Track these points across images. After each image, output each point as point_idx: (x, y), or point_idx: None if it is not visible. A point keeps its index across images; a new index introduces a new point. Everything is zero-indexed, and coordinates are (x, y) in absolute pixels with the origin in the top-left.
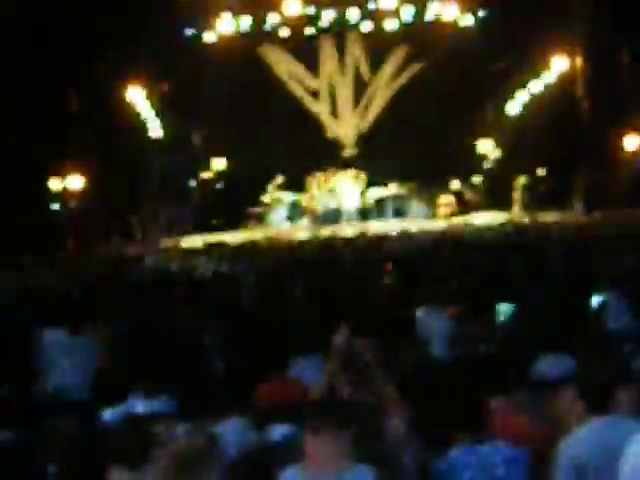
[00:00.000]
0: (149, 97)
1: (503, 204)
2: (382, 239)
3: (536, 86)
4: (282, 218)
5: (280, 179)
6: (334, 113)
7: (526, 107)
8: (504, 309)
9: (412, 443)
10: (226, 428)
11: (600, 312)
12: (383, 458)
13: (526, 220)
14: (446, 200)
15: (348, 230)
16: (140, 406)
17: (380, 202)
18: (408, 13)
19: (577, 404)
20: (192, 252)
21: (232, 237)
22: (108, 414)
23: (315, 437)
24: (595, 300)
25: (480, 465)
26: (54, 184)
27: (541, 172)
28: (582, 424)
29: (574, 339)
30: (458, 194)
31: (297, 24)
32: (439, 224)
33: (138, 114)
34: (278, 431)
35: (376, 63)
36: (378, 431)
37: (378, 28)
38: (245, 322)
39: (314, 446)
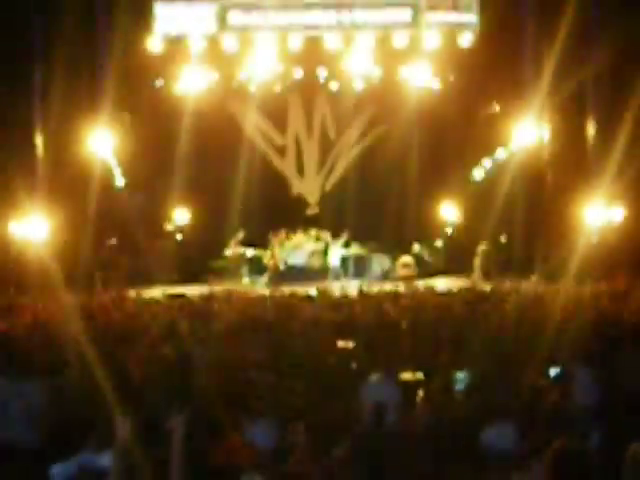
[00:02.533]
0: (114, 146)
1: (463, 270)
2: (341, 299)
3: (501, 154)
4: (243, 274)
5: (241, 234)
6: (299, 171)
7: (490, 174)
8: (460, 376)
9: None
10: None
11: (555, 384)
12: None
13: (485, 287)
14: (406, 261)
15: (308, 289)
16: (92, 460)
17: (342, 261)
18: (376, 75)
19: None
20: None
21: (192, 290)
22: (59, 467)
23: None
24: (553, 371)
25: None
26: (15, 228)
27: (503, 239)
28: None
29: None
30: (418, 258)
31: (266, 81)
32: (398, 287)
33: (103, 162)
34: None
35: (343, 123)
36: None
37: (346, 88)
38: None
39: None
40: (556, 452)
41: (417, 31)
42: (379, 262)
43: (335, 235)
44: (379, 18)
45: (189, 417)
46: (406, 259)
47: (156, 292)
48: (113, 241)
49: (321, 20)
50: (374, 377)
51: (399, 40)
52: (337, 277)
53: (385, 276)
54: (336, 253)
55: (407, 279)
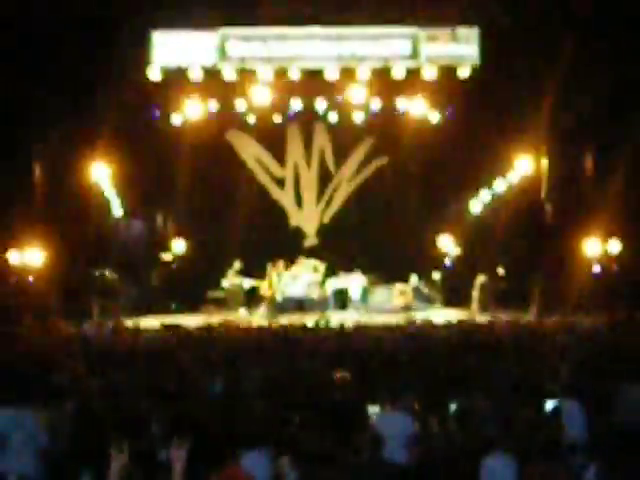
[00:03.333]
0: (112, 175)
1: (461, 302)
2: (339, 331)
3: (500, 185)
4: (240, 304)
5: (238, 264)
6: (298, 202)
7: (489, 206)
8: (457, 408)
9: None
10: None
11: (553, 418)
12: None
13: (483, 319)
14: (402, 289)
15: (305, 320)
16: None
17: (340, 293)
18: (375, 106)
19: None
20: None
21: (189, 320)
22: None
23: None
24: (549, 405)
25: None
26: (12, 257)
27: (501, 272)
28: None
29: (523, 445)
30: (416, 289)
31: (265, 111)
32: (397, 319)
33: (101, 192)
34: None
35: (342, 154)
36: None
37: (345, 120)
38: (195, 411)
39: None
40: None
41: (416, 63)
42: (378, 293)
43: (332, 267)
44: (378, 50)
45: (189, 448)
46: (402, 287)
47: (153, 322)
48: (110, 270)
49: (320, 52)
50: (375, 409)
51: (398, 72)
52: (327, 308)
53: (383, 307)
54: (333, 284)
55: (404, 308)
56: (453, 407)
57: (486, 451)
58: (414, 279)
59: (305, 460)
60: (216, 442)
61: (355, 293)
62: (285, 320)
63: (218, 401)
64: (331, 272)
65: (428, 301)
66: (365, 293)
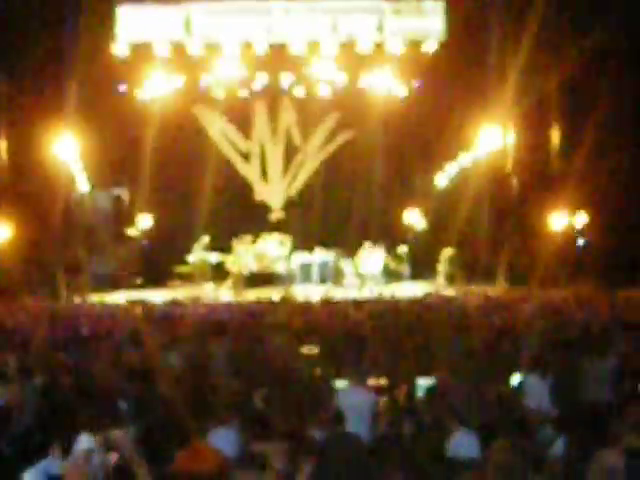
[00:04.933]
0: (77, 150)
1: (428, 275)
2: (306, 306)
3: (466, 159)
4: (207, 279)
5: (206, 239)
6: (264, 176)
7: (455, 179)
8: (423, 384)
9: None
10: None
11: (518, 392)
12: None
13: (449, 292)
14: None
15: (272, 294)
16: (56, 466)
17: (305, 267)
18: (341, 81)
19: None
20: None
21: (156, 296)
22: (30, 475)
23: None
24: (515, 379)
25: None
26: None
27: (467, 245)
28: None
29: (489, 420)
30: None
31: (231, 86)
32: (363, 293)
33: (67, 166)
34: None
35: (308, 129)
36: None
37: (311, 94)
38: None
39: None
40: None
41: (381, 37)
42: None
43: (298, 240)
44: (343, 24)
45: (149, 424)
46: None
47: (119, 297)
48: (77, 245)
49: (286, 26)
50: (342, 383)
51: (363, 46)
52: (293, 282)
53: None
54: (298, 258)
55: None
56: (420, 382)
57: (452, 427)
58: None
59: (272, 436)
60: (182, 418)
61: (375, 268)
62: (251, 295)
63: (184, 377)
64: (297, 247)
65: (395, 275)
66: (387, 268)
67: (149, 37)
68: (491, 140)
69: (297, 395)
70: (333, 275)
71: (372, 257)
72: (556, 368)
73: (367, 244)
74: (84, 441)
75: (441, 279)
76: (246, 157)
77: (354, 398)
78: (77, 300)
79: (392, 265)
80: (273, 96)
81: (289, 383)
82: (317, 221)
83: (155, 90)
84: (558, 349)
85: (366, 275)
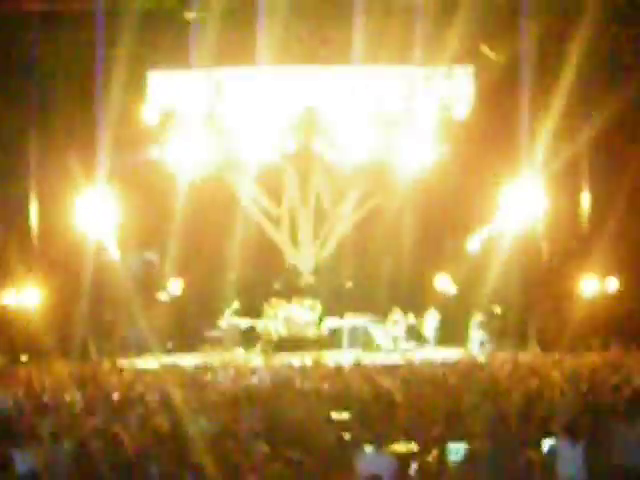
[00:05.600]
0: (109, 216)
1: (458, 340)
2: (336, 371)
3: (496, 224)
4: (237, 344)
5: (236, 304)
6: (294, 241)
7: (485, 244)
8: (456, 449)
9: None
10: None
11: (550, 457)
12: None
13: (480, 358)
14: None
15: (302, 360)
16: None
17: (335, 332)
18: (371, 145)
19: None
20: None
21: (186, 361)
22: None
23: None
24: (547, 444)
25: None
26: (8, 299)
27: (497, 310)
28: None
29: None
30: (412, 328)
31: (261, 150)
32: (394, 358)
33: (98, 233)
34: None
35: (338, 193)
36: None
37: (341, 158)
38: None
39: None
40: None
41: (412, 102)
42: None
43: (328, 306)
44: (374, 89)
45: None
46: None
47: (150, 362)
48: (107, 309)
49: (317, 90)
50: (369, 449)
51: (394, 111)
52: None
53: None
54: (329, 323)
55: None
56: (451, 447)
57: None
58: (410, 318)
59: None
60: None
61: (429, 330)
62: (281, 360)
63: (214, 442)
64: (327, 312)
65: (425, 341)
66: (440, 330)
67: (180, 103)
68: (521, 205)
69: (324, 460)
70: (363, 340)
71: (402, 322)
72: (588, 433)
73: (397, 309)
74: None
75: (471, 344)
76: (276, 221)
77: (376, 463)
78: (107, 365)
79: (422, 331)
80: (304, 160)
81: (317, 448)
82: (347, 286)
83: (186, 155)
84: (590, 414)
85: (396, 340)
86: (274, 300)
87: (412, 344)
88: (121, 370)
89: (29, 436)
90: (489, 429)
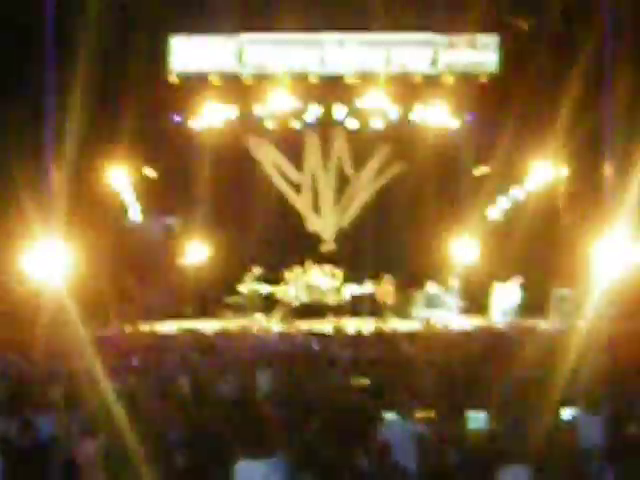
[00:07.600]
0: (130, 180)
1: (478, 309)
2: (357, 338)
3: (517, 193)
4: (257, 310)
5: (257, 270)
6: (315, 207)
7: (506, 213)
8: (474, 416)
9: None
10: None
11: (570, 426)
12: None
13: (500, 326)
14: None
15: (323, 326)
16: None
17: (356, 299)
18: (393, 113)
19: None
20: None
21: (206, 326)
22: None
23: None
24: (566, 413)
25: None
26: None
27: (519, 279)
28: None
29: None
30: (434, 296)
31: (283, 117)
32: (414, 325)
33: (119, 196)
34: None
35: (359, 160)
36: None
37: (363, 126)
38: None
39: None
40: None
41: (435, 70)
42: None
43: (349, 272)
44: (397, 56)
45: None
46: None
47: (170, 327)
48: (128, 274)
49: (339, 57)
50: (391, 415)
51: (416, 78)
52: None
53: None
54: (349, 290)
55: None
56: (470, 415)
57: (502, 462)
58: (430, 285)
59: (320, 467)
60: (231, 448)
61: (514, 301)
62: (302, 326)
63: (233, 407)
64: (348, 279)
65: (446, 308)
66: (438, 301)
67: (202, 67)
68: (543, 174)
69: (345, 425)
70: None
71: (513, 290)
72: (609, 401)
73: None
74: None
75: (491, 313)
76: (298, 188)
77: (401, 429)
78: (128, 329)
79: (444, 298)
80: (325, 128)
81: (338, 414)
82: (367, 254)
83: (208, 120)
84: (611, 382)
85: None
86: (295, 266)
87: (434, 312)
88: (141, 334)
89: (44, 403)
90: (508, 396)
